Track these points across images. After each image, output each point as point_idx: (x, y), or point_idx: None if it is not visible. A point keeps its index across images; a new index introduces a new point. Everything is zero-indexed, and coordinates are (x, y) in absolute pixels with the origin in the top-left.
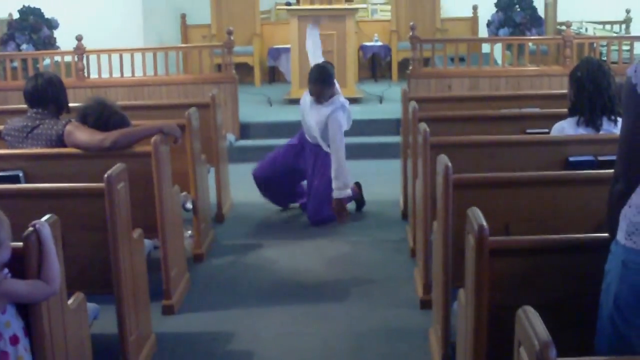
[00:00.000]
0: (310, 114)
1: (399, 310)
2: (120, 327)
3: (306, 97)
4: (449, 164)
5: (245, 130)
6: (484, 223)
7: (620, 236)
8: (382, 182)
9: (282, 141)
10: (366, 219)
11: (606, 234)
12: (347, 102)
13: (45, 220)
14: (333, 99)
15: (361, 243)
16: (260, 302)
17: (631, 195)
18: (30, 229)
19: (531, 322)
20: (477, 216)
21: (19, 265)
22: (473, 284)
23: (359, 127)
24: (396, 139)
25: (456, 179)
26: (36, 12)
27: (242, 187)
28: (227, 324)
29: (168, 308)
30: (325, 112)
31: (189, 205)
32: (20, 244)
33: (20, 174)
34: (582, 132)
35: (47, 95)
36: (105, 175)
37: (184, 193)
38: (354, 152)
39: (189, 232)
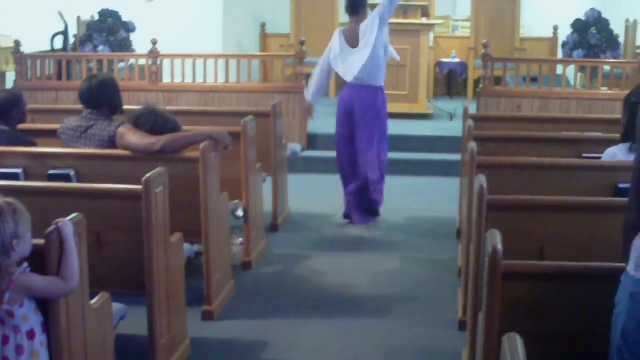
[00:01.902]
0: (350, 55)
1: (437, 329)
2: (151, 330)
3: (336, 42)
4: (484, 185)
5: (312, 141)
6: (499, 246)
7: (630, 267)
8: (445, 199)
9: None
10: (422, 236)
11: (623, 264)
12: None
13: (71, 220)
14: None
15: (412, 260)
16: (301, 313)
17: None
18: (53, 226)
19: (492, 238)
20: (493, 238)
21: (40, 261)
22: (486, 308)
23: (426, 143)
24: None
25: (491, 200)
26: (114, 15)
27: (302, 198)
28: (265, 333)
29: (208, 314)
30: (367, 22)
31: (240, 213)
32: (42, 240)
33: (72, 173)
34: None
35: (100, 97)
36: (143, 179)
37: (236, 201)
38: (420, 169)
39: (240, 239)
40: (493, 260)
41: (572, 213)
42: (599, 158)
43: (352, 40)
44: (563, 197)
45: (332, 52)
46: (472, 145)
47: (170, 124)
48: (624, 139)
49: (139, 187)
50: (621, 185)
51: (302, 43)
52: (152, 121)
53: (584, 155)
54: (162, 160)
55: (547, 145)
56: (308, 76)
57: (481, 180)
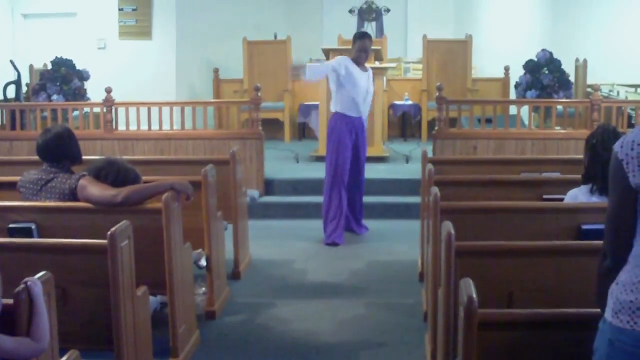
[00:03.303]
0: (367, 81)
1: None
2: None
3: (350, 66)
4: (452, 231)
5: (269, 187)
6: (474, 295)
7: (608, 314)
8: (404, 242)
9: (307, 198)
10: (384, 280)
11: (596, 310)
12: None
13: (39, 278)
14: None
15: (376, 305)
16: None
17: (619, 272)
18: (22, 286)
19: (466, 287)
20: (467, 287)
21: (9, 321)
22: (462, 358)
23: (383, 186)
24: (419, 199)
25: (459, 246)
26: (68, 64)
27: (262, 244)
28: None
29: None
30: (370, 74)
31: (203, 263)
32: (11, 300)
33: (33, 227)
34: (596, 200)
35: (58, 150)
36: (109, 233)
37: (199, 250)
38: (377, 212)
39: (203, 289)
40: (469, 309)
41: (539, 257)
42: (560, 199)
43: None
44: (531, 242)
45: (344, 74)
46: (435, 190)
47: (132, 174)
48: (585, 180)
49: (104, 241)
50: (585, 227)
51: (257, 89)
52: (114, 173)
53: (545, 196)
54: (125, 212)
55: (507, 187)
56: (268, 121)
57: (448, 226)
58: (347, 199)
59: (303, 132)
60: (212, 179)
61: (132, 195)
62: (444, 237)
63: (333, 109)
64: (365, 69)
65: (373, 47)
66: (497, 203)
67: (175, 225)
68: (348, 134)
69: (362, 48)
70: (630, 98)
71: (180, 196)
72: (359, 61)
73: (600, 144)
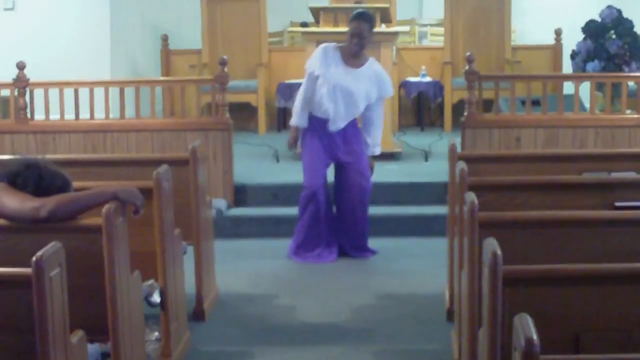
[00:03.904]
0: (348, 79)
1: None
2: None
3: (328, 56)
4: (499, 252)
5: (241, 195)
6: (534, 336)
7: None
8: (425, 268)
9: (290, 210)
10: (400, 320)
11: None
12: None
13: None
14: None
15: (389, 354)
16: None
17: None
18: None
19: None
20: (525, 326)
21: None
22: None
23: (395, 192)
24: (444, 209)
25: (508, 271)
26: None
27: (232, 273)
28: None
29: None
30: (377, 70)
31: (156, 299)
32: None
33: None
34: None
35: None
36: (34, 259)
37: (150, 282)
38: (388, 227)
39: (156, 333)
40: (528, 355)
41: (618, 285)
42: (639, 208)
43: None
44: (602, 264)
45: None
46: (472, 197)
47: (59, 180)
48: None
49: (27, 270)
50: None
51: (223, 63)
52: (36, 178)
53: (617, 204)
54: (49, 231)
55: (566, 193)
56: (235, 106)
57: (493, 245)
58: (338, 213)
59: (284, 120)
60: (167, 185)
61: (61, 208)
62: (488, 259)
63: None
64: (359, 64)
65: (379, 5)
66: (555, 214)
67: (120, 248)
68: (320, 132)
69: (354, 32)
70: None
71: (126, 208)
72: (351, 51)
73: None
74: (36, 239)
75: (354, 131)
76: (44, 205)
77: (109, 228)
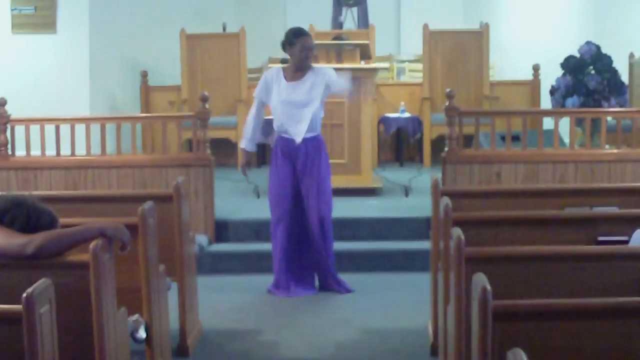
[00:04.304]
0: (291, 91)
1: None
2: None
3: (268, 80)
4: (488, 287)
5: (222, 231)
6: None
7: None
8: (408, 303)
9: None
10: (385, 353)
11: None
12: None
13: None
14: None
15: None
16: None
17: None
18: None
19: None
20: None
21: None
22: None
23: (376, 228)
24: (426, 244)
25: (498, 307)
26: None
27: (214, 309)
28: None
29: None
30: (318, 71)
31: (142, 334)
32: None
33: None
34: None
35: None
36: (24, 296)
37: (135, 317)
38: (369, 263)
39: None
40: None
41: (604, 320)
42: (622, 242)
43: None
44: (592, 299)
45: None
46: (458, 232)
47: (46, 218)
48: None
49: (17, 307)
50: None
51: (204, 99)
52: (24, 216)
53: (601, 239)
54: (36, 268)
55: (549, 228)
56: (215, 142)
57: (482, 280)
58: (300, 246)
59: (263, 156)
60: (152, 221)
61: (48, 244)
62: (478, 294)
63: None
64: (302, 75)
65: (358, 42)
66: (541, 249)
67: (108, 285)
68: (283, 158)
69: (306, 46)
70: None
71: (113, 245)
72: (302, 66)
73: None
74: (24, 275)
75: (314, 144)
76: (31, 241)
77: (96, 265)
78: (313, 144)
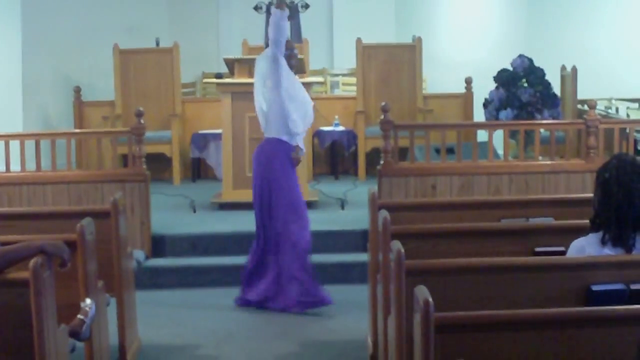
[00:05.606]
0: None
1: None
2: None
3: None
4: (430, 299)
5: (159, 246)
6: None
7: None
8: (345, 315)
9: (210, 260)
10: None
11: None
12: None
13: None
14: None
15: None
16: None
17: None
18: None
19: None
20: None
21: None
22: None
23: (313, 241)
24: (363, 257)
25: (439, 319)
26: None
27: (153, 324)
28: None
29: None
30: None
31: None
32: None
33: None
34: (609, 252)
35: None
36: None
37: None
38: None
39: None
40: None
41: (545, 330)
42: (559, 253)
43: None
44: (530, 310)
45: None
46: (398, 245)
47: None
48: (594, 227)
49: None
50: (595, 288)
51: (139, 114)
52: None
53: (538, 249)
54: None
55: (487, 239)
56: (150, 157)
57: (424, 293)
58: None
59: (198, 170)
60: (90, 237)
61: None
62: (421, 307)
63: None
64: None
65: None
66: (482, 261)
67: (48, 302)
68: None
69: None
70: (633, 117)
71: (52, 262)
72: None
73: (615, 179)
74: None
75: (270, 148)
76: None
77: (36, 282)
78: (269, 148)
